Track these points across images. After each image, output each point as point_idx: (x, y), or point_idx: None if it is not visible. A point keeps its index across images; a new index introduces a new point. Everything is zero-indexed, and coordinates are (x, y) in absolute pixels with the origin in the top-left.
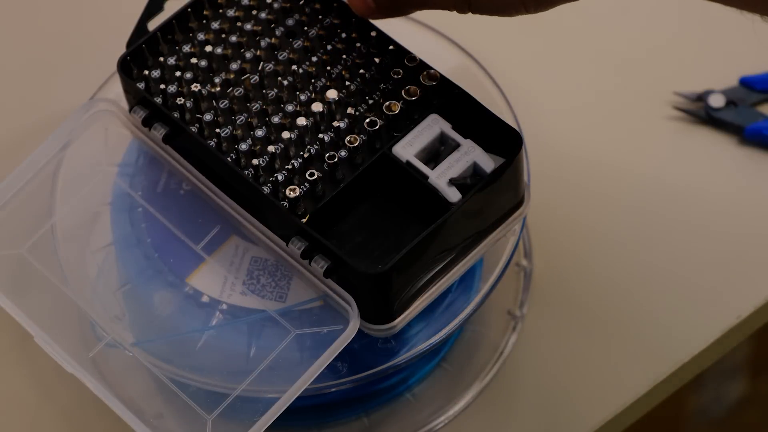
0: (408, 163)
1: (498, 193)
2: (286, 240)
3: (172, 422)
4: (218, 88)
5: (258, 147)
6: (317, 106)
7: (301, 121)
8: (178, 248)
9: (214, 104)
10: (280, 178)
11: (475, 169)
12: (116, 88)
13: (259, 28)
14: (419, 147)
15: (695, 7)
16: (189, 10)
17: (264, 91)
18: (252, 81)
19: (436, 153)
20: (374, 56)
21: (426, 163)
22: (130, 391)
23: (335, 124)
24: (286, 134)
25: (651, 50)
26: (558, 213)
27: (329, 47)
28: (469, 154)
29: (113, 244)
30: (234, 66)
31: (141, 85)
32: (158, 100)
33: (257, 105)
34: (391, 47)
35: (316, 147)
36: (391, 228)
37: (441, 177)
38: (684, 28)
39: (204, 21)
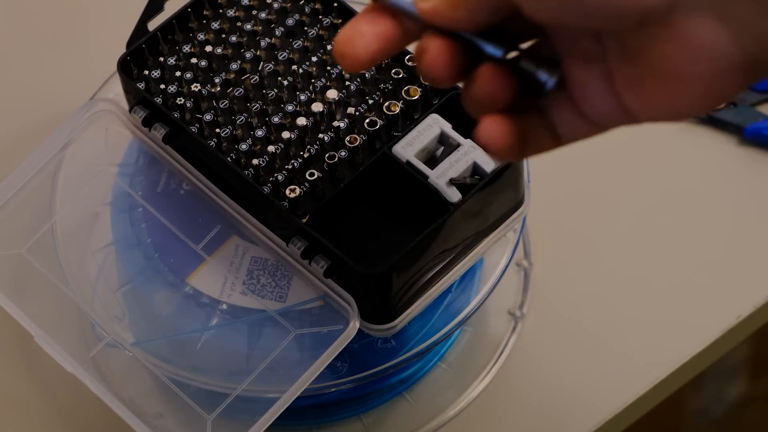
0: (408, 163)
1: (498, 193)
2: (286, 240)
3: (172, 422)
4: (218, 88)
5: (258, 147)
6: (317, 106)
7: (301, 121)
8: (178, 248)
9: (214, 104)
10: (280, 178)
11: (475, 169)
12: (116, 88)
13: (259, 28)
14: (419, 147)
15: None
16: (189, 10)
17: (264, 91)
18: (252, 81)
19: (436, 153)
20: None
21: (426, 163)
22: (130, 391)
23: (335, 124)
24: (286, 134)
25: None
26: (558, 213)
27: (329, 47)
28: (469, 154)
29: (113, 244)
30: (234, 66)
31: (141, 85)
32: (158, 100)
33: (257, 105)
34: None
35: (316, 147)
36: (391, 228)
37: (441, 177)
38: None
39: (204, 21)
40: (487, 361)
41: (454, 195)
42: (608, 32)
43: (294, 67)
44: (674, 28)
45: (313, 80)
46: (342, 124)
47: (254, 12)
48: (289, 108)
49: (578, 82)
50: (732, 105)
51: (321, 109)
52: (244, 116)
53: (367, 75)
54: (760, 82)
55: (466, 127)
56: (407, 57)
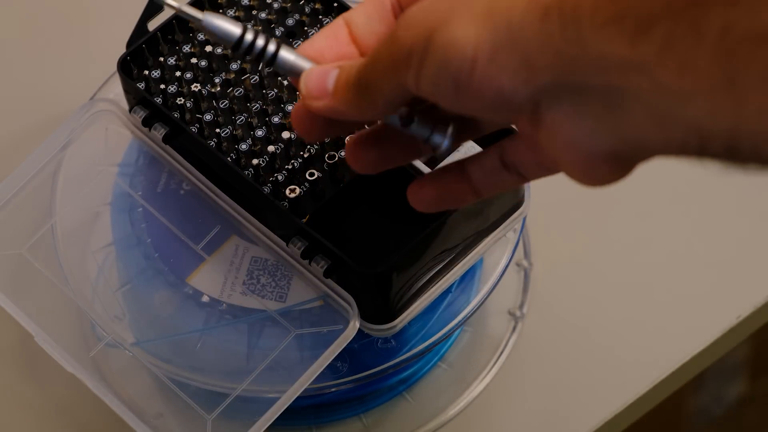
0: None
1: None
2: (286, 240)
3: (172, 422)
4: (218, 88)
5: (258, 147)
6: None
7: None
8: (178, 248)
9: (214, 104)
10: (280, 178)
11: None
12: (116, 88)
13: (259, 28)
14: None
15: None
16: None
17: (264, 91)
18: (252, 81)
19: None
20: None
21: (426, 162)
22: (130, 391)
23: None
24: (286, 134)
25: None
26: (558, 213)
27: None
28: (470, 154)
29: (113, 244)
30: (234, 66)
31: (141, 85)
32: (158, 100)
33: (257, 105)
34: None
35: (316, 147)
36: (391, 228)
37: None
38: None
39: None
40: (487, 361)
41: None
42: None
43: None
44: (544, 120)
45: None
46: None
47: (254, 12)
48: (289, 108)
49: (527, 134)
50: None
51: None
52: (244, 116)
53: None
54: None
55: None
56: None
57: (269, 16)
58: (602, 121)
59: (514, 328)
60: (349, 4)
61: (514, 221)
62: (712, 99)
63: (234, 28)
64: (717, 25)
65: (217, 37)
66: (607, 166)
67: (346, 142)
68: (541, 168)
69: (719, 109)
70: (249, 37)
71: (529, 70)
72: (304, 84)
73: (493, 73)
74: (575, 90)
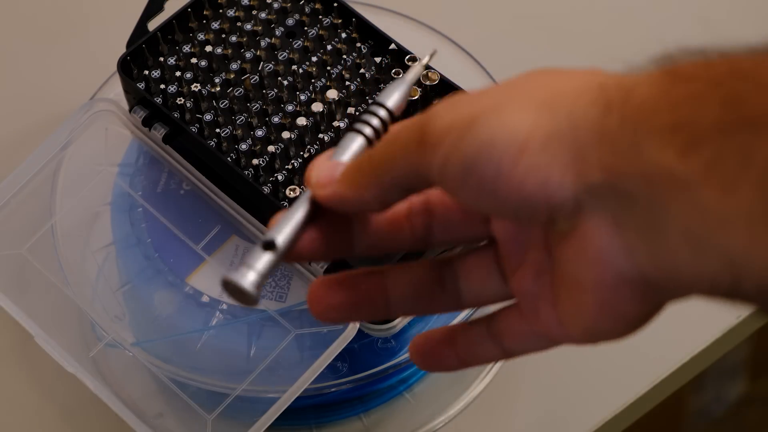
0: None
1: None
2: None
3: (172, 422)
4: (218, 88)
5: (258, 147)
6: (317, 106)
7: (301, 121)
8: (178, 248)
9: (214, 104)
10: (280, 178)
11: None
12: (116, 88)
13: (259, 28)
14: None
15: (697, 12)
16: (189, 10)
17: (264, 91)
18: (252, 81)
19: None
20: (374, 56)
21: None
22: (130, 391)
23: (335, 124)
24: (286, 134)
25: (651, 53)
26: None
27: (329, 47)
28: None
29: (113, 244)
30: (234, 66)
31: (141, 85)
32: (158, 100)
33: (257, 105)
34: (391, 47)
35: (316, 147)
36: None
37: None
38: (686, 32)
39: (204, 21)
40: None
41: None
42: (527, 224)
43: (294, 67)
44: (578, 228)
45: (313, 80)
46: (342, 124)
47: (254, 12)
48: (289, 108)
49: (528, 294)
50: None
51: (321, 109)
52: (244, 116)
53: (367, 75)
54: None
55: None
56: (407, 57)
57: (269, 16)
58: (640, 237)
59: None
60: (349, 4)
61: None
62: (749, 229)
63: None
64: (766, 153)
65: None
66: (633, 295)
67: (312, 283)
68: (533, 338)
69: (756, 241)
70: None
71: (582, 165)
72: (316, 173)
73: (543, 162)
74: (621, 196)
